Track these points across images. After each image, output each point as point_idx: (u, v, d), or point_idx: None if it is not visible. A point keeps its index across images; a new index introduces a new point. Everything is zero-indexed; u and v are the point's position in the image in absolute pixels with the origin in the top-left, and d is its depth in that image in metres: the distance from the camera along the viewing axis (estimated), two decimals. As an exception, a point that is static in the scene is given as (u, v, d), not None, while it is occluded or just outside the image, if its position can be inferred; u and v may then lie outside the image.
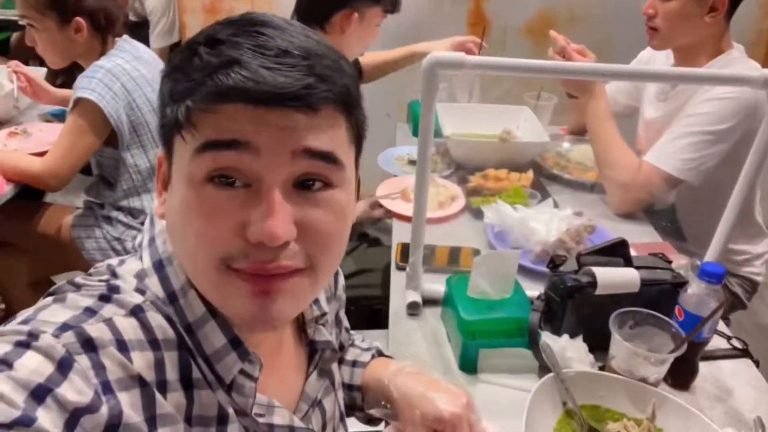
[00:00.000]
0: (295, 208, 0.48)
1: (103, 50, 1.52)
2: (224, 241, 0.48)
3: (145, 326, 0.50)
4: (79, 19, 1.45)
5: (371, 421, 0.85)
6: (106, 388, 0.45)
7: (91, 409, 0.43)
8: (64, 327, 0.45)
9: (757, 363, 1.02)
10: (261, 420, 0.58)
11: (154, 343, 0.50)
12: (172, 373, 0.51)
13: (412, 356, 0.99)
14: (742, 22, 2.20)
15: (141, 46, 1.61)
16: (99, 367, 0.45)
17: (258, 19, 0.49)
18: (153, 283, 0.53)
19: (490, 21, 2.72)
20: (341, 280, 0.81)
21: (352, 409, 0.85)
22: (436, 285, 1.10)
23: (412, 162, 1.70)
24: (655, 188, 1.42)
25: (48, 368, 0.43)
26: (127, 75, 1.49)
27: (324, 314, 0.69)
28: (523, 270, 1.19)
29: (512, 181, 1.52)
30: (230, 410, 0.55)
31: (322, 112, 0.48)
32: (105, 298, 0.50)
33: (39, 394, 0.42)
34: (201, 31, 0.50)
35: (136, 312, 0.50)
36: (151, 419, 0.48)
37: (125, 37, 1.58)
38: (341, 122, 0.50)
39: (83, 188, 1.70)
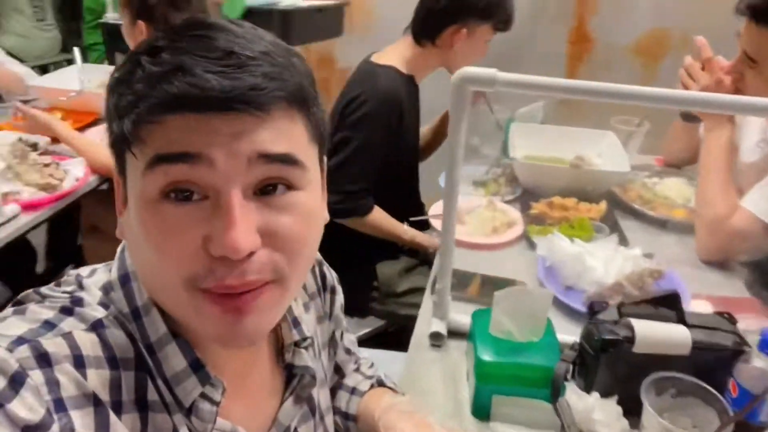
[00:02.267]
0: (258, 215, 0.45)
1: None
2: (188, 260, 0.45)
3: (105, 343, 0.48)
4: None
5: None
6: (59, 405, 0.44)
7: (42, 427, 0.42)
8: (20, 341, 0.44)
9: None
10: None
11: (112, 362, 0.48)
12: (127, 394, 0.49)
13: (424, 390, 0.93)
14: None
15: None
16: (53, 383, 0.44)
17: (202, 22, 0.46)
18: (118, 298, 0.52)
19: (594, 39, 2.56)
20: (339, 299, 0.77)
21: None
22: (466, 317, 1.02)
23: (478, 184, 1.62)
24: (749, 237, 1.22)
25: (0, 383, 0.41)
26: None
27: (306, 338, 0.65)
28: (570, 312, 1.08)
29: (580, 211, 1.39)
30: None
31: (275, 112, 0.45)
32: (67, 311, 0.49)
33: None
34: (143, 41, 0.48)
35: (96, 327, 0.49)
36: None
37: None
38: (298, 121, 0.47)
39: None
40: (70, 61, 2.27)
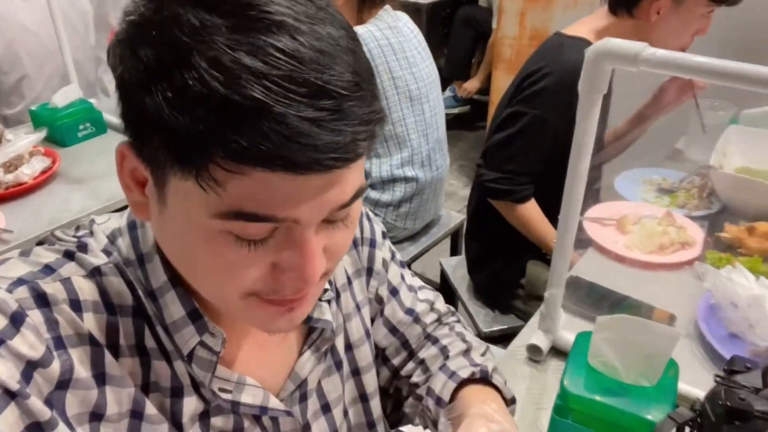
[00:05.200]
0: (323, 238, 0.45)
1: None
2: (251, 282, 0.44)
3: (102, 290, 0.49)
4: None
5: None
6: (58, 343, 0.45)
7: (43, 363, 0.43)
8: (19, 282, 0.45)
9: None
10: (225, 396, 0.54)
11: (109, 307, 0.49)
12: (124, 339, 0.49)
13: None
14: None
15: None
16: (51, 322, 0.45)
17: (267, 18, 0.36)
18: (125, 244, 0.51)
19: None
20: (381, 254, 0.70)
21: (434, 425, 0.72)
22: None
23: (664, 191, 1.36)
24: None
25: (1, 322, 0.42)
26: None
27: (326, 290, 0.61)
28: (721, 362, 0.85)
29: (793, 246, 1.07)
30: (186, 383, 0.52)
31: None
32: (69, 255, 0.49)
33: None
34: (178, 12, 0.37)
35: (94, 274, 0.49)
36: (99, 376, 0.47)
37: None
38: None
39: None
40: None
